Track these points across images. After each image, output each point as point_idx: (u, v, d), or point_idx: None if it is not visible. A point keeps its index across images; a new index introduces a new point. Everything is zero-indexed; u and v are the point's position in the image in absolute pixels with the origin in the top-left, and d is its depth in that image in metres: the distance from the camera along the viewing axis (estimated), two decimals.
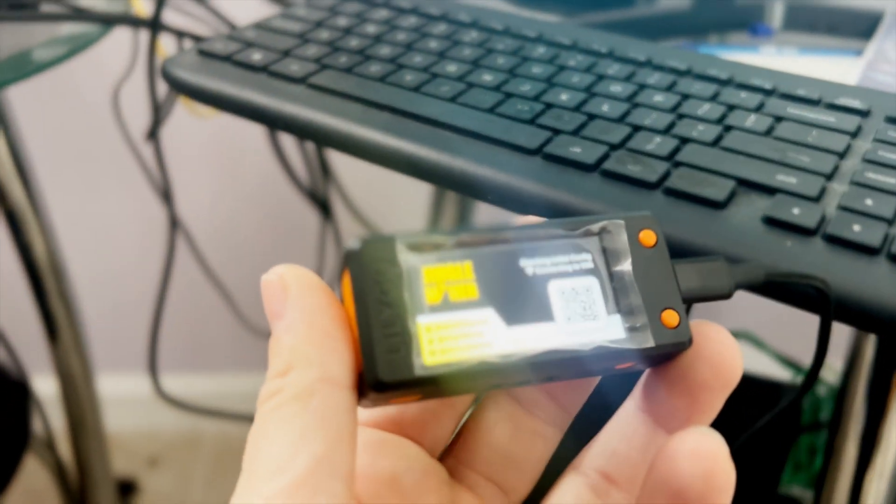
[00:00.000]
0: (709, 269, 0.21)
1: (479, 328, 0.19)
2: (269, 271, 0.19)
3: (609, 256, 0.20)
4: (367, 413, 0.22)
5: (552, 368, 0.19)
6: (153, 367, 0.70)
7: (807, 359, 0.81)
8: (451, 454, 0.23)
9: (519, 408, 0.22)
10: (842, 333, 0.53)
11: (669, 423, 0.20)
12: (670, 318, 0.20)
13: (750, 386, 0.62)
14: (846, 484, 0.48)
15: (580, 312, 0.20)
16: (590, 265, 0.20)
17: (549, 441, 0.22)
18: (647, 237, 0.20)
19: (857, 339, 0.49)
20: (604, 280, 0.20)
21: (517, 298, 0.19)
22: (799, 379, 0.74)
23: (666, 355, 0.20)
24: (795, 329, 0.97)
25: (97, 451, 0.82)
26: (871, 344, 0.48)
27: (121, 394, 1.06)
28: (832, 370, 0.75)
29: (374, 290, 0.18)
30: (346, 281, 0.19)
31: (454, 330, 0.19)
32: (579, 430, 0.23)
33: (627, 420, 0.21)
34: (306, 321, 0.18)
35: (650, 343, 0.19)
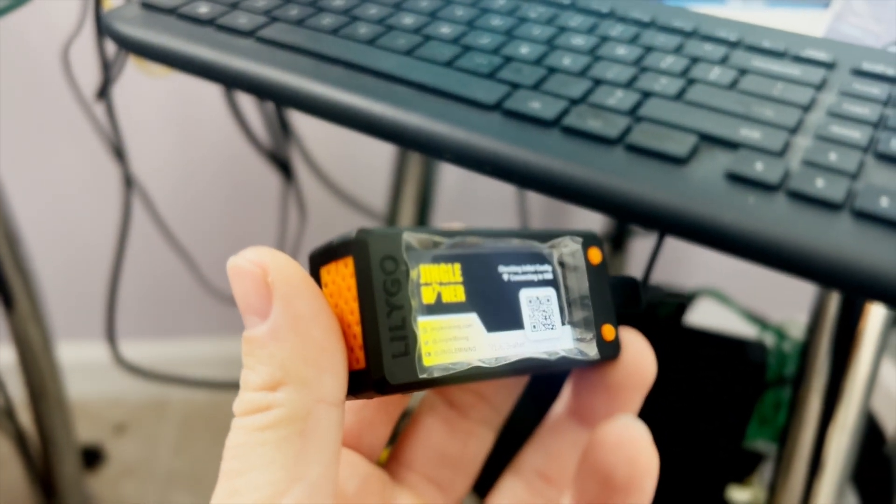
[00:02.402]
0: (625, 288, 0.23)
1: (464, 332, 0.19)
2: (239, 255, 0.17)
3: (565, 270, 0.22)
4: None
5: (523, 372, 0.21)
6: (111, 335, 0.69)
7: (772, 315, 0.82)
8: (393, 458, 0.23)
9: (453, 412, 0.23)
10: (807, 290, 0.53)
11: (593, 421, 0.22)
12: (608, 332, 0.21)
13: (716, 342, 0.62)
14: (810, 437, 0.49)
15: (542, 321, 0.21)
16: (550, 276, 0.21)
17: (483, 441, 0.24)
18: (595, 255, 0.22)
19: (821, 295, 0.49)
20: (560, 292, 0.21)
21: (495, 304, 0.20)
22: (764, 335, 0.75)
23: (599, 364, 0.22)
24: (761, 286, 0.98)
25: (60, 419, 0.81)
26: (835, 300, 0.48)
27: (84, 361, 1.04)
28: (798, 326, 0.76)
29: (382, 288, 0.18)
30: (340, 268, 0.18)
31: (445, 332, 0.19)
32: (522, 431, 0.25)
33: (557, 422, 0.23)
34: (298, 331, 0.17)
35: (595, 355, 0.21)
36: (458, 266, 0.19)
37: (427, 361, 0.18)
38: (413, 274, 0.18)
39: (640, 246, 0.99)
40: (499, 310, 0.20)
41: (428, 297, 0.19)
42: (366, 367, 0.18)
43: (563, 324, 0.21)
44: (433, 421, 0.23)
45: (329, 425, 0.17)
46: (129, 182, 0.66)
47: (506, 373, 0.20)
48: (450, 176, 0.88)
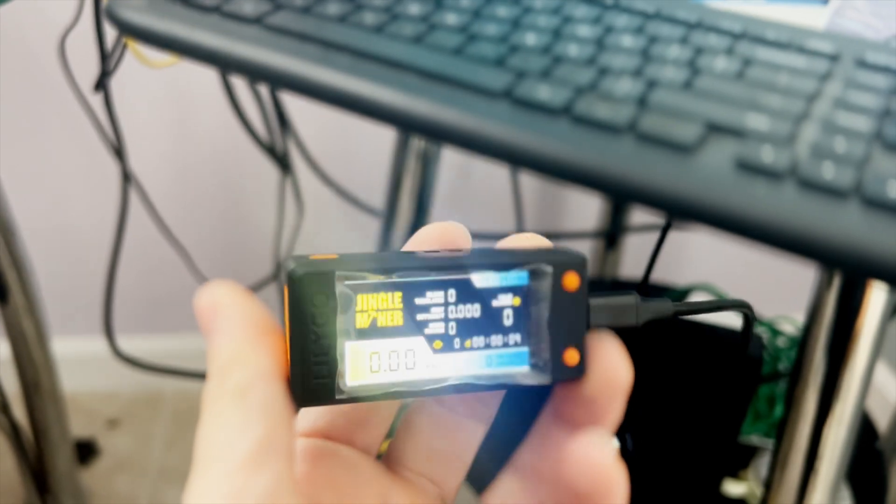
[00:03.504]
0: (620, 306, 0.23)
1: (404, 353, 0.21)
2: (199, 294, 0.21)
3: (531, 294, 0.22)
4: (301, 424, 0.24)
5: (458, 392, 0.22)
6: (108, 327, 0.68)
7: (764, 309, 0.82)
8: (388, 456, 0.25)
9: (442, 409, 0.25)
10: (804, 284, 0.53)
11: (575, 426, 0.23)
12: (571, 356, 0.22)
13: (709, 335, 0.62)
14: (806, 432, 0.49)
15: (495, 343, 0.22)
16: (511, 300, 0.22)
17: (473, 434, 0.25)
18: (571, 280, 0.22)
19: (819, 290, 0.49)
20: (521, 316, 0.22)
21: (442, 328, 0.21)
22: (759, 330, 0.75)
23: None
24: (754, 282, 0.99)
25: (54, 413, 0.81)
26: (832, 295, 0.48)
27: (78, 355, 1.04)
28: (792, 322, 0.76)
29: (308, 319, 0.20)
30: (285, 291, 0.21)
31: (379, 354, 0.21)
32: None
33: (546, 423, 0.24)
34: (237, 328, 0.20)
35: (547, 380, 0.22)
36: (398, 294, 0.21)
37: (352, 380, 0.20)
38: (344, 304, 0.20)
39: (634, 242, 0.99)
40: (444, 333, 0.21)
41: (361, 322, 0.21)
42: (290, 386, 0.20)
43: (517, 345, 0.22)
44: (423, 419, 0.25)
45: (268, 394, 0.20)
46: (126, 176, 0.65)
47: (433, 394, 0.21)
48: (446, 169, 0.88)
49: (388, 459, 0.25)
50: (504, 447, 0.25)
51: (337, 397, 0.20)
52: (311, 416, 0.24)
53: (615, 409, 0.22)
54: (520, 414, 0.26)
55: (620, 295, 0.23)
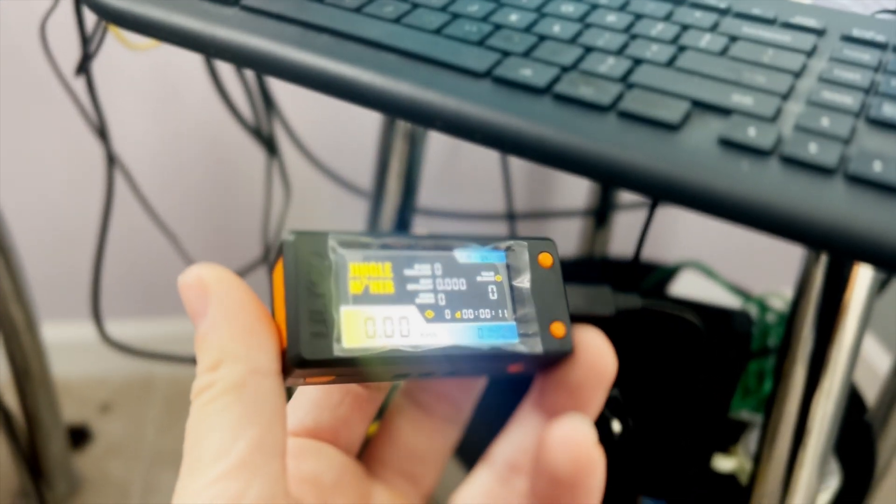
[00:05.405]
0: (595, 293, 0.25)
1: (398, 321, 0.21)
2: (185, 273, 0.20)
3: (511, 271, 0.23)
4: (289, 422, 0.24)
5: (453, 362, 0.22)
6: (97, 313, 0.68)
7: (754, 286, 0.82)
8: (368, 454, 0.25)
9: (419, 411, 0.25)
10: (793, 260, 0.53)
11: (557, 415, 0.23)
12: (558, 329, 0.23)
13: (701, 313, 0.62)
14: (795, 406, 0.49)
15: (484, 316, 0.22)
16: (493, 276, 0.23)
17: (448, 436, 0.25)
18: (545, 259, 0.23)
19: (807, 265, 0.49)
20: (505, 290, 0.23)
21: (432, 298, 0.22)
22: (748, 307, 0.75)
23: (551, 360, 0.22)
24: (744, 259, 0.99)
25: (45, 399, 0.81)
26: (820, 271, 0.48)
27: (69, 341, 1.03)
28: (782, 298, 0.76)
29: (304, 279, 0.20)
30: (279, 269, 0.21)
31: (374, 320, 0.21)
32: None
33: (526, 415, 0.24)
34: (229, 318, 0.20)
35: (539, 349, 0.22)
36: (388, 265, 0.22)
37: (349, 343, 0.20)
38: (338, 269, 0.21)
39: (624, 220, 0.99)
40: (435, 304, 0.22)
41: (355, 288, 0.21)
42: (287, 346, 0.20)
43: (504, 319, 0.23)
44: (401, 421, 0.25)
45: (264, 391, 0.19)
46: (111, 160, 0.65)
47: (430, 359, 0.21)
48: (434, 151, 0.88)
49: (367, 459, 0.25)
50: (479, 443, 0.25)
51: (335, 355, 0.20)
52: (300, 412, 0.24)
53: (599, 397, 0.22)
54: (494, 409, 0.26)
55: (595, 285, 0.24)
